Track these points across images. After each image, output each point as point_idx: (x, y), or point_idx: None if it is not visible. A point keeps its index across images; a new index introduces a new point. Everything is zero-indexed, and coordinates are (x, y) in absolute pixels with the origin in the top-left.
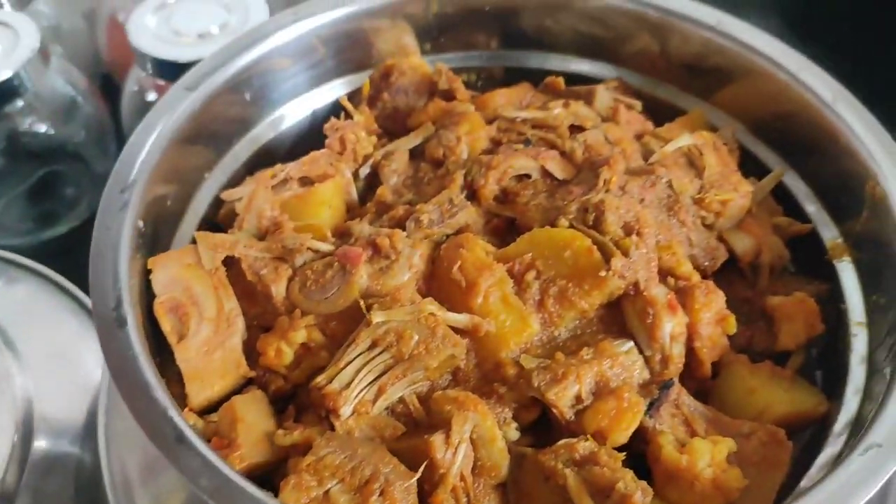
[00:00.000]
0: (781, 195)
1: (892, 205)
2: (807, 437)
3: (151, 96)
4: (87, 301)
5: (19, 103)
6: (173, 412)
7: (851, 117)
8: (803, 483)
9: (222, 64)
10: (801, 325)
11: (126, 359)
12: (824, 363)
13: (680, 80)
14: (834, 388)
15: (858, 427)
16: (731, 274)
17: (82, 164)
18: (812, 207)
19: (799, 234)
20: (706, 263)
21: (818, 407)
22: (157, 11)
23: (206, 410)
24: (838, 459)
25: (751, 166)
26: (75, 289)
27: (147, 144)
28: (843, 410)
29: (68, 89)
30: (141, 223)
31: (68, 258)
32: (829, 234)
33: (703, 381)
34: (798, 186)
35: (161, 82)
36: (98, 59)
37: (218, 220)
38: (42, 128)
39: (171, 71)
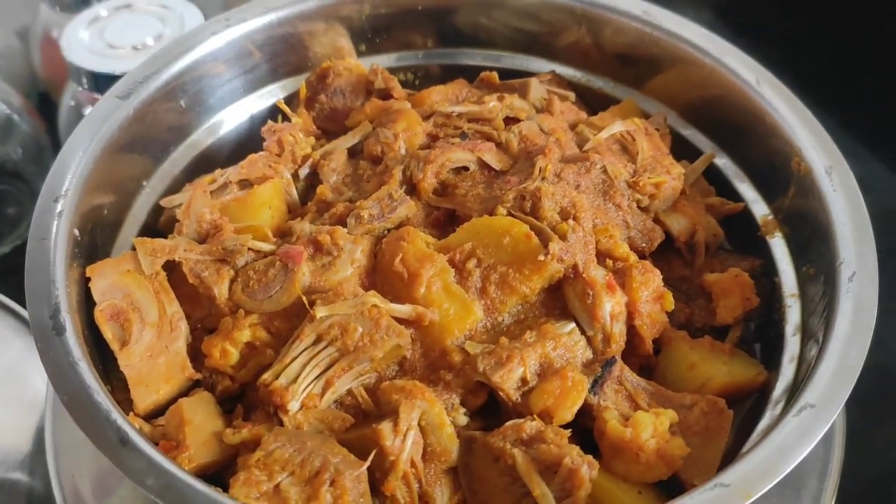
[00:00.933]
0: (714, 177)
1: (817, 178)
2: (748, 405)
3: (88, 111)
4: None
5: None
6: (115, 415)
7: (775, 98)
8: (745, 450)
9: (154, 71)
10: (738, 300)
11: (65, 366)
12: (762, 336)
13: (612, 71)
14: (772, 358)
15: (795, 393)
16: (668, 254)
17: (22, 183)
18: (743, 187)
19: (732, 212)
20: (643, 245)
21: (757, 377)
22: (90, 25)
23: (153, 415)
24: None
25: (683, 150)
26: (19, 308)
27: (79, 154)
28: (780, 378)
29: (2, 108)
30: (77, 232)
31: (12, 278)
32: (761, 211)
33: (646, 358)
34: (729, 167)
35: (97, 96)
36: (34, 77)
37: (159, 227)
38: None
39: (107, 84)
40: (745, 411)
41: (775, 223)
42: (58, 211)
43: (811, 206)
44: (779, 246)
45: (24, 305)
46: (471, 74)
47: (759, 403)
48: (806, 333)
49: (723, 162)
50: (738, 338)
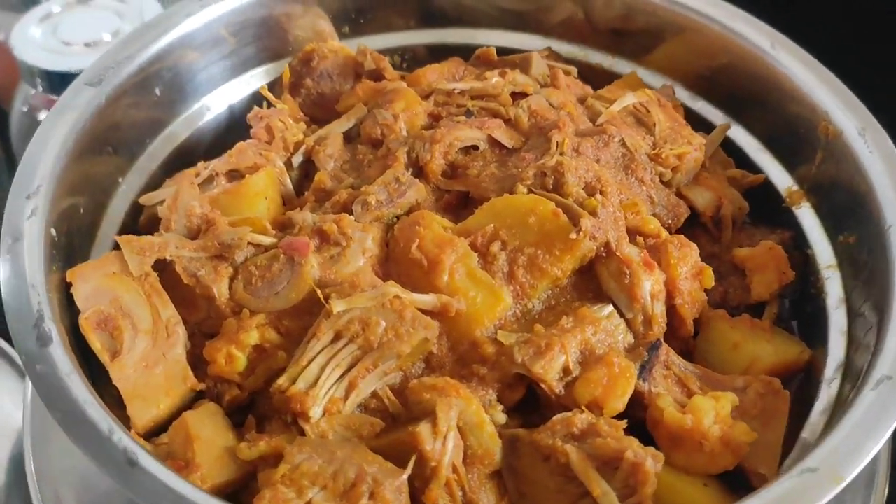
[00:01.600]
0: (729, 149)
1: (848, 141)
2: (794, 388)
3: (43, 115)
4: None
5: None
6: (120, 433)
7: (793, 61)
8: (805, 434)
9: (127, 56)
10: (773, 274)
11: (56, 380)
12: (798, 312)
13: (610, 45)
14: (813, 334)
15: (851, 369)
16: (693, 231)
17: None
18: (762, 157)
19: (753, 185)
20: (669, 221)
21: (801, 355)
22: (42, 22)
23: (154, 432)
24: (841, 400)
25: (693, 124)
26: None
27: (50, 146)
28: (829, 355)
29: None
30: (54, 231)
31: None
32: (784, 182)
33: (684, 341)
34: (744, 138)
35: (53, 98)
36: None
37: (139, 227)
38: None
39: (62, 84)
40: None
41: (801, 193)
42: (31, 209)
43: (844, 170)
44: (807, 216)
45: None
46: (460, 54)
47: (807, 383)
48: (852, 305)
49: (737, 133)
50: (775, 315)
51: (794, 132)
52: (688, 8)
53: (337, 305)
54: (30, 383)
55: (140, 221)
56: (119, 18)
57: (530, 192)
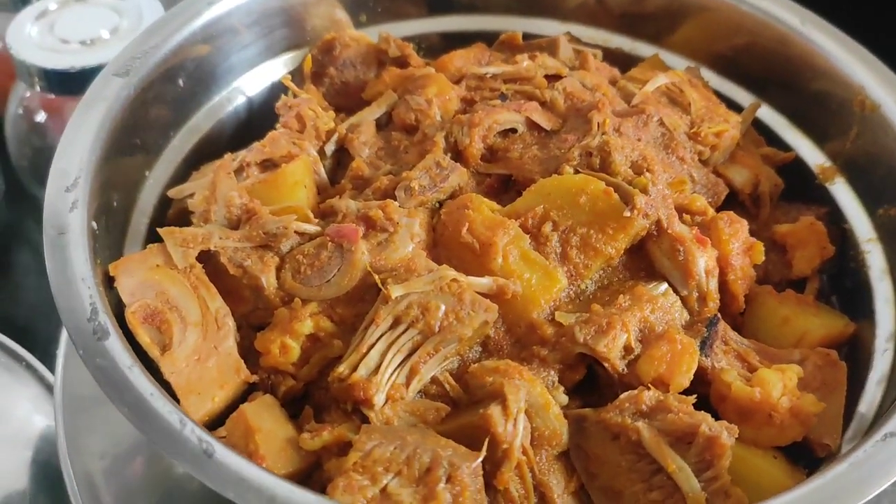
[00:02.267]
0: (757, 129)
1: (887, 114)
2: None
3: (40, 116)
4: (11, 345)
5: None
6: (192, 425)
7: (824, 38)
8: (862, 406)
9: (152, 46)
10: (815, 249)
11: (119, 374)
12: (838, 287)
13: (629, 27)
14: (856, 308)
15: None
16: (730, 209)
17: None
18: (790, 135)
19: (784, 162)
20: (710, 199)
21: (847, 328)
22: (38, 20)
23: (209, 427)
24: None
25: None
26: None
27: (82, 138)
28: (879, 326)
29: None
30: (94, 224)
31: None
32: (815, 158)
33: (733, 318)
34: (772, 117)
35: (51, 97)
36: None
37: (168, 221)
38: None
39: (60, 82)
40: None
41: (834, 169)
42: (72, 200)
43: (883, 143)
44: (842, 191)
45: None
46: (474, 41)
47: (853, 355)
48: None
49: (763, 112)
50: (817, 290)
51: (824, 108)
52: None
53: (395, 290)
54: (59, 386)
55: (169, 215)
56: (117, 15)
57: (577, 172)
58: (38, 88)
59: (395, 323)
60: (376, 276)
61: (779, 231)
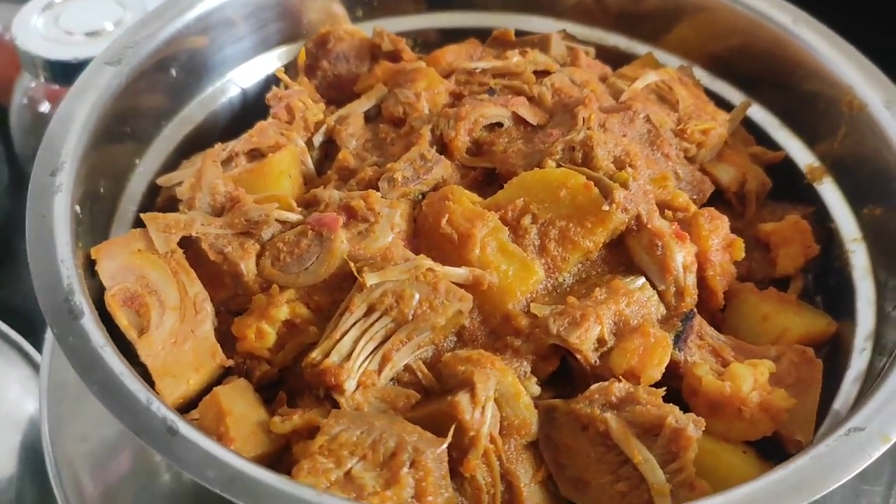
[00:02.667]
0: (748, 128)
1: (874, 114)
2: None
3: (45, 107)
4: (4, 329)
5: None
6: (158, 403)
7: (815, 38)
8: (837, 404)
9: (145, 37)
10: (799, 248)
11: (91, 352)
12: (822, 287)
13: (625, 26)
14: (839, 308)
15: (881, 340)
16: (716, 207)
17: None
18: (780, 135)
19: (773, 161)
20: (694, 197)
21: (828, 327)
22: (43, 12)
23: (182, 409)
24: (873, 369)
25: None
26: None
27: (73, 124)
28: (859, 325)
29: None
30: (77, 208)
31: None
32: (804, 158)
33: (712, 314)
34: (763, 117)
35: (55, 87)
36: None
37: (156, 209)
38: None
39: (64, 73)
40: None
41: (822, 169)
42: (56, 185)
43: (870, 144)
44: (830, 191)
45: None
46: (473, 37)
47: (833, 355)
48: (879, 275)
49: (755, 112)
50: (800, 289)
51: (814, 109)
52: None
53: (370, 278)
54: (45, 371)
55: (157, 203)
56: (121, 7)
57: (559, 166)
58: (42, 79)
59: (370, 311)
60: (352, 265)
61: (763, 229)
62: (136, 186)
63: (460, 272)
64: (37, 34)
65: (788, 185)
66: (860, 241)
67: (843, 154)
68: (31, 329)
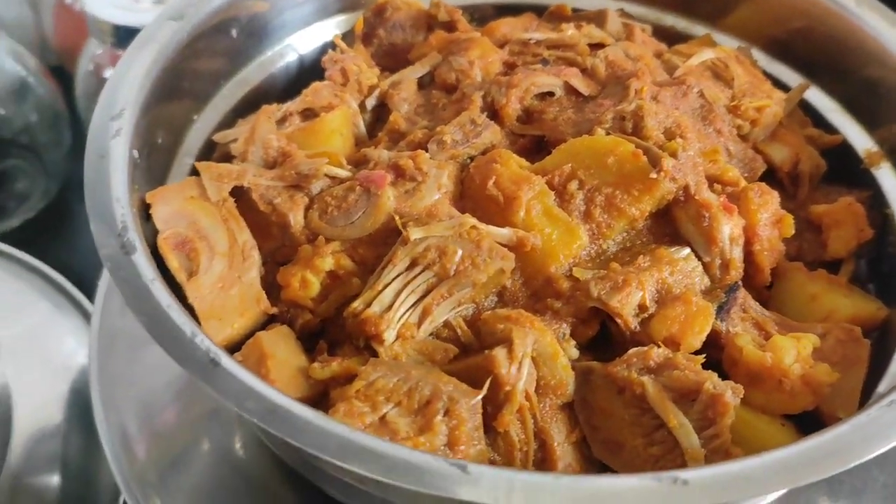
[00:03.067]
0: (806, 111)
1: None
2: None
3: (109, 73)
4: (60, 280)
5: None
6: (202, 336)
7: (878, 20)
8: (882, 387)
9: None
10: (851, 230)
11: (141, 285)
12: (876, 273)
13: (684, 6)
14: (891, 294)
15: None
16: (769, 187)
17: (34, 157)
18: (840, 119)
19: (830, 145)
20: (746, 175)
21: (878, 312)
22: None
23: (228, 352)
24: None
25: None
26: (46, 268)
27: (133, 74)
28: None
29: (17, 68)
30: (136, 153)
31: (25, 248)
32: (863, 143)
33: (759, 291)
34: (822, 101)
35: (121, 53)
36: (46, 49)
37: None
38: None
39: (131, 39)
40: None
41: (881, 154)
42: (116, 129)
43: None
44: (887, 177)
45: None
46: (535, 13)
47: (882, 340)
48: None
49: (814, 96)
50: (852, 272)
51: (875, 93)
52: None
53: (414, 233)
54: (97, 320)
55: (213, 158)
56: None
57: (609, 135)
58: (109, 45)
59: (412, 265)
60: (398, 219)
61: (815, 211)
62: (193, 142)
63: (504, 232)
64: (106, 0)
65: (845, 170)
66: None
67: None
68: (86, 287)
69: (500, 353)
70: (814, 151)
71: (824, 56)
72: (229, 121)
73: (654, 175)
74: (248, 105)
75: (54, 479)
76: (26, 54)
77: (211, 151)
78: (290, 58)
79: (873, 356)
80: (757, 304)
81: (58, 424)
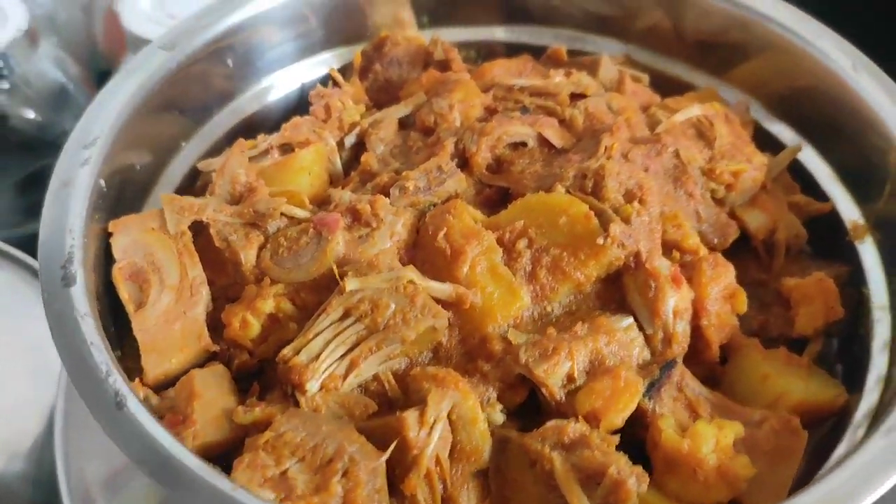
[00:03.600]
0: (799, 173)
1: None
2: (824, 431)
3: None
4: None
5: (4, 85)
6: (116, 376)
7: (873, 86)
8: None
9: (203, 26)
10: (820, 309)
11: (70, 320)
12: (845, 354)
13: (692, 56)
14: (855, 379)
15: (880, 418)
16: (743, 254)
17: None
18: (832, 186)
19: (818, 213)
20: (716, 240)
21: (837, 398)
22: None
23: (164, 386)
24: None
25: (767, 145)
26: None
27: (115, 102)
28: (863, 400)
29: (58, 75)
30: (102, 183)
31: None
32: (850, 214)
33: (711, 366)
34: (817, 164)
35: None
36: (95, 52)
37: (195, 191)
38: (30, 114)
39: None
40: (820, 437)
41: (866, 227)
42: (84, 158)
43: None
44: (869, 253)
45: None
46: (537, 55)
47: (837, 429)
48: (894, 352)
49: (810, 157)
50: (818, 353)
51: (867, 161)
52: (775, 22)
53: (350, 283)
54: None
55: (196, 185)
56: None
57: (568, 192)
58: None
59: (345, 315)
60: (335, 267)
61: (786, 284)
62: (179, 167)
63: (444, 288)
64: (143, 16)
65: (831, 240)
66: (887, 309)
67: (886, 215)
68: None
69: (410, 415)
70: (794, 220)
71: (822, 118)
72: (220, 148)
73: (600, 241)
74: (242, 133)
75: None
76: (69, 60)
77: (195, 178)
78: (290, 88)
79: (825, 443)
80: (696, 383)
81: (33, 442)
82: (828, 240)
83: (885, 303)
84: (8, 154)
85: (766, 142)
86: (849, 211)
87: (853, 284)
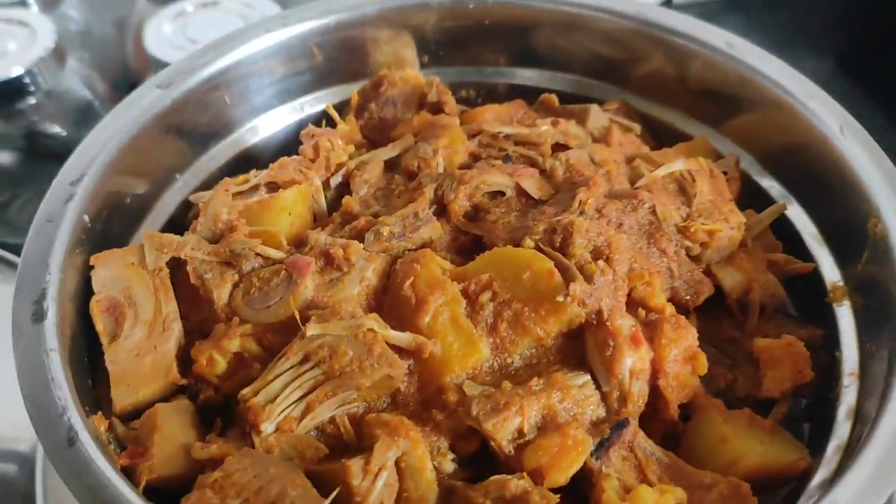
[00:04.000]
0: (785, 231)
1: (893, 244)
2: (782, 495)
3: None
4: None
5: (31, 101)
6: (73, 412)
7: (858, 149)
8: None
9: (200, 64)
10: (788, 371)
11: (36, 355)
12: (813, 416)
13: (689, 105)
14: (820, 443)
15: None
16: (718, 312)
17: None
18: (816, 246)
19: (798, 273)
20: (688, 297)
21: (798, 462)
22: (174, 20)
23: (131, 417)
24: None
25: (756, 200)
26: None
27: (105, 140)
28: (821, 468)
29: (85, 92)
30: (86, 218)
31: None
32: (832, 275)
33: (671, 425)
34: (804, 223)
35: None
36: (126, 69)
37: (187, 223)
38: (56, 128)
39: None
40: (778, 501)
41: (845, 290)
42: (70, 194)
43: (883, 274)
44: (846, 317)
45: None
46: (536, 97)
47: (795, 494)
48: (859, 420)
49: (797, 215)
50: (784, 415)
51: (850, 224)
52: (770, 80)
53: (311, 329)
54: None
55: (188, 217)
56: (243, 21)
57: (537, 246)
58: None
59: (305, 359)
60: (296, 312)
61: (756, 345)
62: (172, 199)
63: (403, 337)
64: (165, 41)
65: (811, 299)
66: (856, 376)
67: (864, 280)
68: None
69: (355, 463)
70: (771, 279)
71: (810, 177)
72: (216, 180)
73: (560, 298)
74: (239, 166)
75: None
76: (96, 77)
77: (188, 210)
78: (287, 122)
79: None
80: (650, 443)
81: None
82: (808, 299)
83: (855, 370)
84: (36, 166)
85: (756, 196)
86: (830, 272)
87: (827, 347)
